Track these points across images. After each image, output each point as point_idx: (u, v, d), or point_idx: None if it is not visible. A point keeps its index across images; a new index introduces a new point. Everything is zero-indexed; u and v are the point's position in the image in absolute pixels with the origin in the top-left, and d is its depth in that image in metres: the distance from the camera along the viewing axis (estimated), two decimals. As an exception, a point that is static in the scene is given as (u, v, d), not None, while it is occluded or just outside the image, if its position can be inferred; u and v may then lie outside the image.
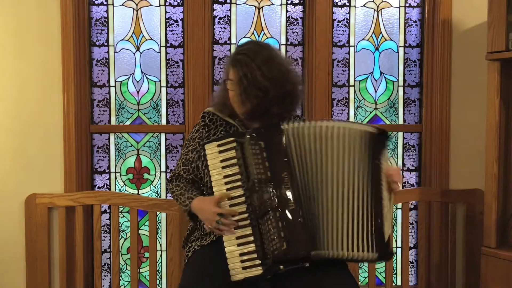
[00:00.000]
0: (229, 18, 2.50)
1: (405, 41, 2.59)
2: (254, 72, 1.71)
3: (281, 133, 1.65)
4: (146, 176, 2.54)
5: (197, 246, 1.80)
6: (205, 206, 1.70)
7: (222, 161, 1.67)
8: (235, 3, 2.51)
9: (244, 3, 2.51)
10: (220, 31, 2.50)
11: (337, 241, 1.60)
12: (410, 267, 2.61)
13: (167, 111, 2.51)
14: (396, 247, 2.59)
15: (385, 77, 2.60)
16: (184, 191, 1.83)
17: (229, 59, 1.82)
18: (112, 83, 2.49)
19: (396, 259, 2.57)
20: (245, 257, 1.61)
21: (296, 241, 1.57)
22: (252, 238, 1.61)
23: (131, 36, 2.49)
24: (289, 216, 1.58)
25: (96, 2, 2.45)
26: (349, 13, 2.55)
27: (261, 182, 1.60)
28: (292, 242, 1.56)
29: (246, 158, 1.64)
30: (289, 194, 1.59)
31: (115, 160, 2.52)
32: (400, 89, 2.61)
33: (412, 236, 2.62)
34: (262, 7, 2.52)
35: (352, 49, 2.57)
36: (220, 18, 2.50)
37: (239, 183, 1.65)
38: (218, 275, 1.63)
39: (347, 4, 2.55)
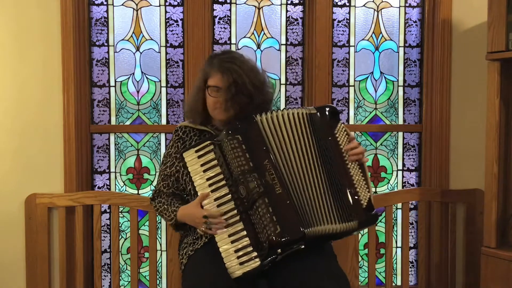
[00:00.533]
0: (229, 18, 2.50)
1: (405, 41, 2.59)
2: (244, 79, 1.77)
3: (256, 124, 1.72)
4: (146, 176, 2.54)
5: (190, 252, 1.81)
6: (190, 211, 1.76)
7: (202, 165, 1.74)
8: (235, 3, 2.51)
9: (244, 3, 2.51)
10: (220, 31, 2.50)
11: (322, 216, 1.67)
12: (410, 267, 2.61)
13: (167, 111, 2.51)
14: (396, 247, 2.59)
15: (385, 77, 2.60)
16: (167, 205, 1.88)
17: (210, 66, 1.84)
18: (112, 83, 2.49)
19: (396, 259, 2.57)
20: (240, 253, 1.64)
21: (289, 222, 1.61)
22: (244, 233, 1.65)
23: (131, 36, 2.49)
24: (278, 199, 1.63)
25: (96, 2, 2.45)
26: (349, 13, 2.55)
27: (245, 173, 1.65)
28: (285, 223, 1.60)
29: (226, 155, 1.70)
30: (273, 179, 1.64)
31: (115, 160, 2.52)
32: (400, 89, 2.61)
33: (412, 236, 2.62)
34: (262, 7, 2.52)
35: (352, 49, 2.57)
36: (220, 18, 2.50)
37: (223, 182, 1.71)
38: (217, 276, 1.64)
39: (347, 4, 2.55)
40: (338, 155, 1.73)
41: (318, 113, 1.77)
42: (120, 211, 2.44)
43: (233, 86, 1.76)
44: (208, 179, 1.72)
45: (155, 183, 2.53)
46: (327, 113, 1.78)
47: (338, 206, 1.68)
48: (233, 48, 2.50)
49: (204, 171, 1.73)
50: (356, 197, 1.69)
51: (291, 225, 1.60)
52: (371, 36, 2.58)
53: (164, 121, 2.52)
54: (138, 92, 2.51)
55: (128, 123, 2.51)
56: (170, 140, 1.98)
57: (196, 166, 1.74)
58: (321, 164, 1.71)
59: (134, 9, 2.48)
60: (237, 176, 1.66)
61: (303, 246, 1.62)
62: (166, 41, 2.49)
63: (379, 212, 1.76)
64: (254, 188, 1.63)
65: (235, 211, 1.68)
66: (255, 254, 1.62)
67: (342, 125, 1.80)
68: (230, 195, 1.69)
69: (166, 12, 2.49)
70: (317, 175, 1.70)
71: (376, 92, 2.60)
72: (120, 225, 2.46)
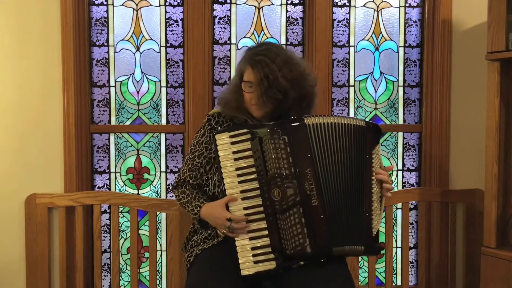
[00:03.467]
0: (229, 18, 2.50)
1: (405, 41, 2.59)
2: (275, 73, 1.68)
3: (305, 128, 1.65)
4: (146, 176, 2.54)
5: (198, 250, 1.79)
6: (213, 211, 1.69)
7: (234, 152, 1.65)
8: (235, 3, 2.51)
9: (244, 3, 2.51)
10: (220, 31, 2.50)
11: (348, 235, 1.63)
12: (410, 267, 2.61)
13: (167, 111, 2.51)
14: (396, 247, 2.59)
15: (385, 77, 2.60)
16: (191, 198, 1.80)
17: (244, 60, 1.76)
18: (112, 83, 2.49)
19: (396, 259, 2.57)
20: (258, 251, 1.60)
21: (319, 237, 1.59)
22: (266, 232, 1.61)
23: (131, 36, 2.49)
24: (312, 212, 1.60)
25: (96, 2, 2.45)
26: (349, 13, 2.55)
27: (284, 177, 1.60)
28: (316, 238, 1.58)
29: (265, 152, 1.63)
30: (312, 190, 1.60)
31: (115, 160, 2.52)
32: (400, 89, 2.61)
33: (412, 236, 2.62)
34: (262, 7, 2.52)
35: (352, 49, 2.57)
36: (220, 18, 2.50)
37: (254, 176, 1.64)
38: (223, 272, 1.62)
39: (347, 4, 2.55)
40: (368, 177, 1.69)
41: (366, 128, 1.71)
42: (120, 211, 2.44)
43: (265, 80, 1.67)
44: (238, 169, 1.64)
45: (155, 182, 2.53)
46: (373, 131, 1.72)
47: (355, 227, 1.65)
48: (233, 48, 2.50)
49: (236, 159, 1.65)
50: (369, 224, 1.66)
51: (321, 241, 1.59)
52: (371, 36, 2.58)
53: (164, 121, 2.52)
54: (138, 92, 2.51)
55: (128, 123, 2.51)
56: (201, 128, 1.87)
57: (227, 152, 1.66)
58: (353, 181, 1.66)
59: (134, 9, 2.48)
60: (274, 177, 1.60)
61: (322, 260, 1.61)
62: (166, 41, 2.49)
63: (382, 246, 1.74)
64: (292, 195, 1.59)
65: (261, 209, 1.62)
66: (272, 256, 1.60)
67: (379, 148, 1.74)
68: (259, 191, 1.63)
69: (166, 12, 2.49)
70: (348, 192, 1.66)
71: (376, 92, 2.60)
72: (120, 225, 2.46)
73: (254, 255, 1.60)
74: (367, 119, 2.58)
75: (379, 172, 1.70)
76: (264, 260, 1.60)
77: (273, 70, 1.67)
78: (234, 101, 1.78)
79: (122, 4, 2.47)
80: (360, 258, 2.52)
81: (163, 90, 2.51)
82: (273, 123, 1.65)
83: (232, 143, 1.66)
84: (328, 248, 1.60)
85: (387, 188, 1.72)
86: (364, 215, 1.66)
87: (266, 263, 1.59)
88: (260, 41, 2.52)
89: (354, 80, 2.58)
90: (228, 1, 2.50)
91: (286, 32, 2.54)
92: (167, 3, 2.48)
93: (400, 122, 2.62)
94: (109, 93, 2.49)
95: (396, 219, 2.59)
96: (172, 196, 2.49)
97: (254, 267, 1.59)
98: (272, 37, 2.53)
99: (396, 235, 2.60)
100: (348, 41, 2.56)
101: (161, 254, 2.52)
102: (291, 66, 1.71)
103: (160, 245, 2.51)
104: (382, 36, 2.58)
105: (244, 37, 2.52)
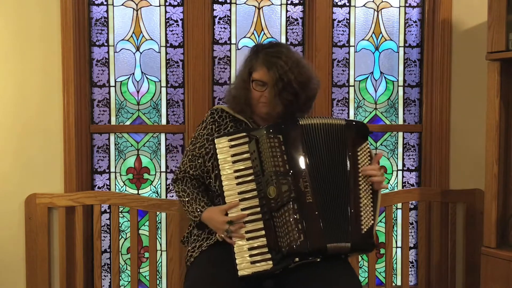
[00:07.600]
0: (229, 18, 2.50)
1: (405, 41, 2.59)
2: (289, 76, 1.73)
3: (300, 129, 1.70)
4: (146, 176, 2.54)
5: (204, 247, 1.79)
6: (214, 216, 1.71)
7: (233, 155, 1.70)
8: (235, 3, 2.51)
9: (244, 3, 2.51)
10: (220, 31, 2.50)
11: (337, 232, 1.63)
12: (410, 267, 2.61)
13: (167, 111, 2.51)
14: (396, 247, 2.59)
15: (385, 77, 2.60)
16: (191, 199, 1.81)
17: (256, 58, 1.80)
18: (112, 83, 2.49)
19: (396, 259, 2.57)
20: (254, 251, 1.61)
21: (314, 234, 1.58)
22: (263, 232, 1.62)
23: (131, 36, 2.49)
24: (307, 208, 1.60)
25: (96, 2, 2.45)
26: (349, 13, 2.55)
27: (279, 175, 1.62)
28: (310, 234, 1.58)
29: (262, 152, 1.66)
30: (306, 187, 1.62)
31: (115, 160, 2.52)
32: (400, 89, 2.61)
33: (412, 236, 2.62)
34: (262, 7, 2.52)
35: (352, 49, 2.57)
36: (220, 18, 2.50)
37: (251, 177, 1.67)
38: (222, 274, 1.62)
39: (347, 4, 2.55)
40: (352, 173, 1.70)
41: (345, 126, 1.74)
42: (120, 211, 2.44)
43: (280, 82, 1.72)
44: (236, 171, 1.68)
45: (155, 182, 2.53)
46: (354, 128, 1.76)
47: (341, 224, 1.64)
48: (233, 48, 2.50)
49: (234, 162, 1.69)
50: (357, 221, 1.65)
51: (316, 237, 1.58)
52: (371, 36, 2.58)
53: (164, 121, 2.52)
54: (138, 92, 2.51)
55: (128, 123, 2.51)
56: (203, 121, 1.92)
57: (226, 155, 1.70)
58: (337, 178, 1.68)
59: (134, 9, 2.48)
60: (270, 175, 1.63)
61: (319, 259, 1.61)
62: (166, 41, 2.49)
63: (378, 244, 1.73)
64: (286, 191, 1.60)
65: (258, 209, 1.64)
66: (269, 256, 1.60)
67: (368, 146, 1.77)
68: (256, 191, 1.66)
69: (166, 12, 2.49)
70: (334, 190, 1.67)
71: (376, 92, 2.60)
72: (120, 225, 2.46)
73: (251, 255, 1.60)
74: (367, 119, 2.59)
75: (366, 169, 1.71)
76: (260, 260, 1.60)
77: (287, 73, 1.73)
78: (242, 97, 1.82)
79: (122, 4, 2.47)
80: (360, 258, 2.52)
81: (163, 90, 2.51)
82: (269, 125, 1.70)
83: (231, 146, 1.71)
84: (323, 245, 1.59)
85: (375, 181, 1.72)
86: (350, 212, 1.65)
87: (263, 263, 1.59)
88: (260, 41, 2.51)
89: (354, 80, 2.58)
90: (228, 1, 2.50)
91: (286, 32, 2.53)
92: (167, 3, 2.48)
93: (400, 122, 2.62)
94: (109, 93, 2.49)
95: (396, 219, 2.59)
96: (173, 196, 2.50)
97: (251, 267, 1.59)
98: (272, 37, 2.53)
99: (396, 235, 2.60)
100: (348, 41, 2.56)
101: (161, 254, 2.52)
102: (301, 69, 1.77)
103: (160, 245, 2.51)
104: (382, 36, 2.58)
105: (244, 37, 2.52)
